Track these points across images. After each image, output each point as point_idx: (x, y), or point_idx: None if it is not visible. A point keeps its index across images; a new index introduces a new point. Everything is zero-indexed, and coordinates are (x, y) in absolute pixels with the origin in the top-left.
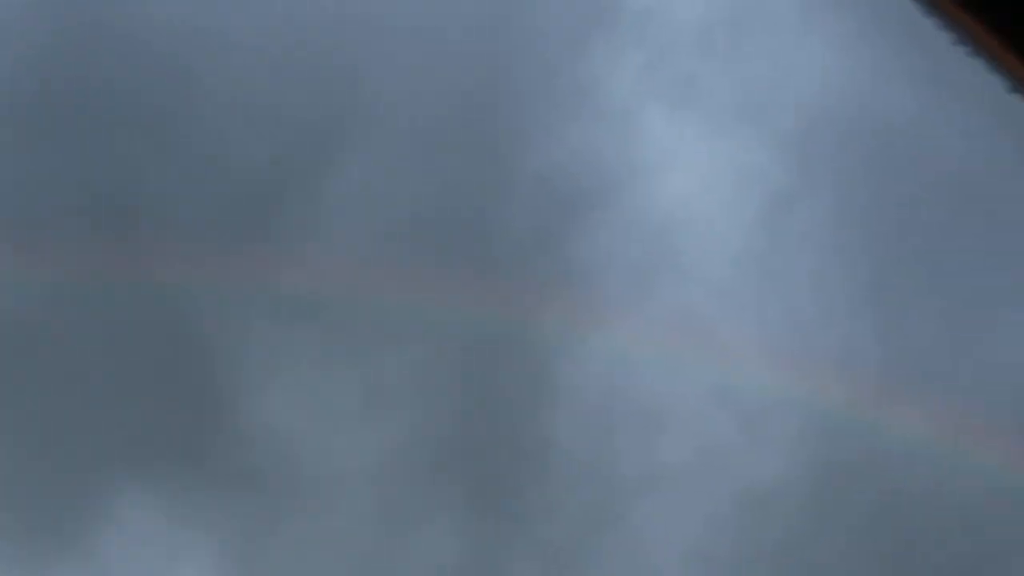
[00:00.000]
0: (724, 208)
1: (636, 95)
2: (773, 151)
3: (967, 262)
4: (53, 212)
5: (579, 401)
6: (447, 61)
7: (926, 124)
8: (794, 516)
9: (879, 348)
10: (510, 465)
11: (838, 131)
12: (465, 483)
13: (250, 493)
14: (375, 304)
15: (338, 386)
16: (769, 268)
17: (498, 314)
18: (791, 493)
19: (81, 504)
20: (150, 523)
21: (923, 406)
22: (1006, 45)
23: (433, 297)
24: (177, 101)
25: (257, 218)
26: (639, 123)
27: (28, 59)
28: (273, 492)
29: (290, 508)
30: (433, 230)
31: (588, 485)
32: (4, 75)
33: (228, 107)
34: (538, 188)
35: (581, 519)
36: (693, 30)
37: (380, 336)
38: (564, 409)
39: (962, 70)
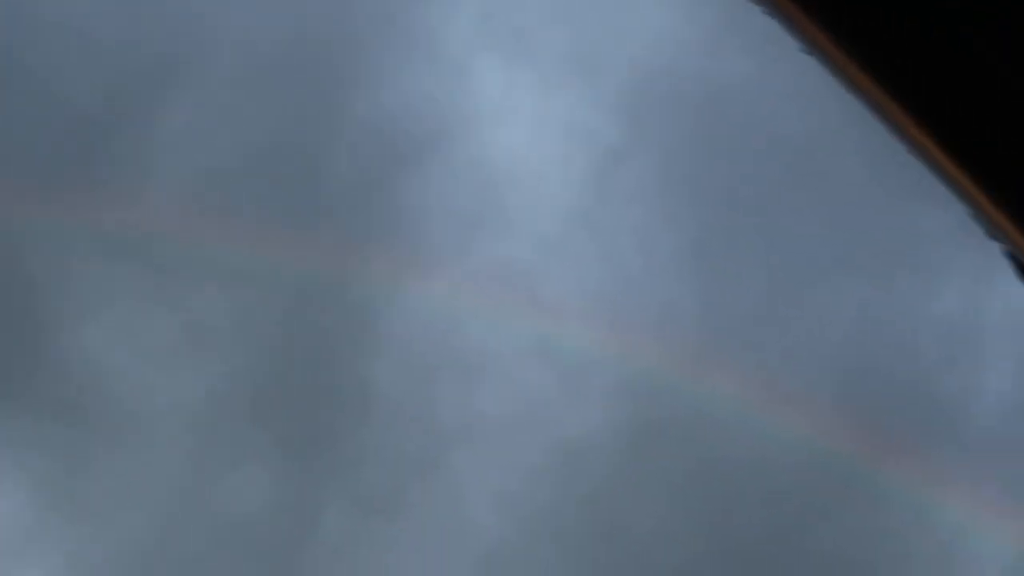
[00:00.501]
0: (553, 163)
1: (470, 45)
2: (605, 109)
3: (792, 230)
4: None
5: (401, 350)
6: (283, 3)
7: (757, 89)
8: (607, 470)
9: (699, 311)
10: (329, 411)
11: (670, 92)
12: (282, 427)
13: (67, 426)
14: (200, 245)
15: (160, 325)
16: (595, 225)
17: (323, 260)
18: (605, 448)
19: None
20: None
21: (737, 372)
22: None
23: (259, 241)
24: (6, 34)
25: (85, 154)
26: (472, 74)
27: None
28: (90, 426)
29: (106, 443)
30: (262, 173)
31: (406, 433)
32: None
33: (59, 42)
34: (369, 134)
35: (398, 466)
36: None
37: (204, 278)
38: (386, 357)
39: (795, 37)
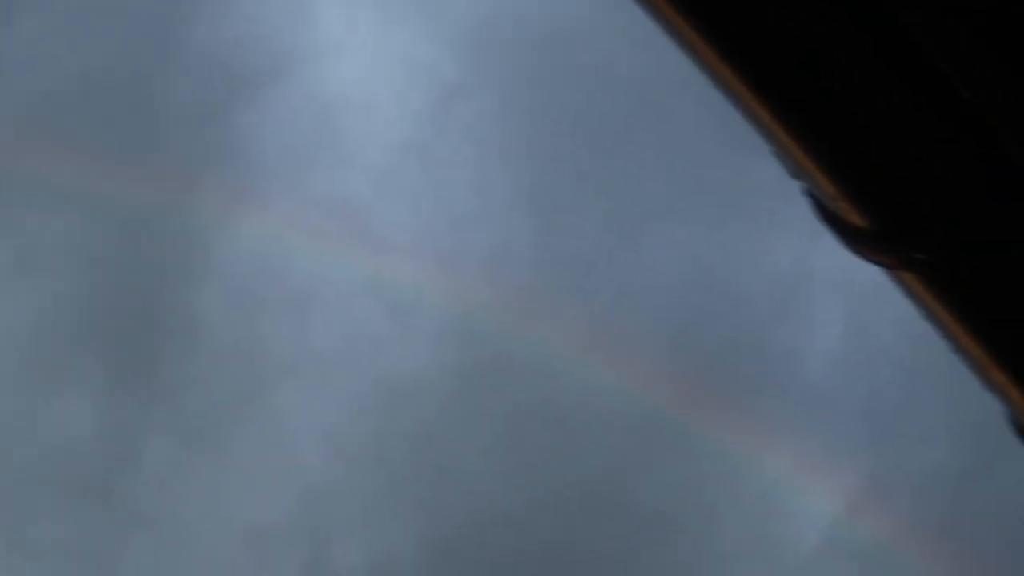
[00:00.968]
0: (391, 97)
1: None
2: (444, 44)
3: (628, 173)
4: None
5: (230, 281)
6: None
7: (599, 31)
8: (434, 410)
9: (532, 252)
10: (155, 340)
11: (511, 29)
12: (107, 355)
13: None
14: (29, 170)
15: None
16: (431, 161)
17: (155, 188)
18: (433, 387)
19: None
20: None
21: (567, 316)
22: None
23: (90, 167)
24: None
25: None
26: (313, 5)
27: None
28: None
29: None
30: (95, 98)
31: (233, 364)
32: None
33: None
34: (206, 63)
35: (224, 398)
36: None
37: (32, 203)
38: (215, 288)
39: None
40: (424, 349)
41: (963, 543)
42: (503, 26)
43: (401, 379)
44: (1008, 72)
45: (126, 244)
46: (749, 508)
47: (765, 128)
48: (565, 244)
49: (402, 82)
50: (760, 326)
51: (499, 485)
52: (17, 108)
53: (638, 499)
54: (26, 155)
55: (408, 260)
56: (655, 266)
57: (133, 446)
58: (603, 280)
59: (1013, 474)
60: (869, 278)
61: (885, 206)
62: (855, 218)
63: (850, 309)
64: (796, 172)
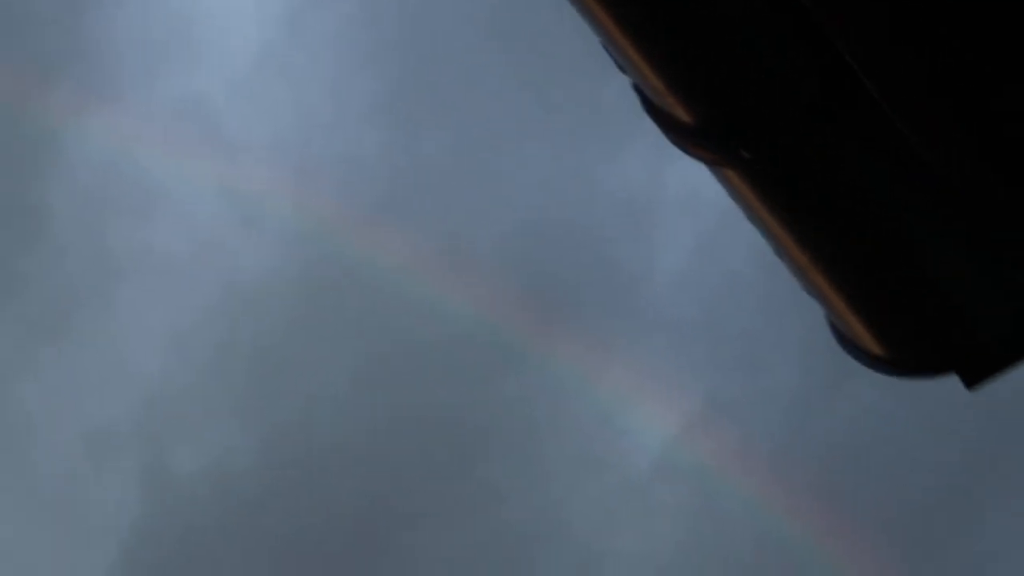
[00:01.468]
0: (248, 1)
1: None
2: None
3: (482, 88)
4: None
5: (77, 180)
6: None
7: None
8: (277, 319)
9: (383, 165)
10: None
11: None
12: None
13: None
14: None
15: None
16: (287, 67)
17: (5, 84)
18: (278, 297)
19: None
20: None
21: (414, 233)
22: None
23: None
24: None
25: None
26: None
27: None
28: None
29: None
30: None
31: (77, 263)
32: None
33: None
34: None
35: (66, 295)
36: None
37: None
38: (62, 185)
39: None
40: (271, 258)
41: (797, 468)
42: None
43: (246, 287)
44: None
45: None
46: (581, 427)
47: (596, 21)
48: (416, 158)
49: None
50: (609, 246)
51: (337, 397)
52: None
53: (466, 417)
54: None
55: (258, 166)
56: (505, 183)
57: None
58: (453, 196)
59: (852, 400)
60: (720, 201)
61: (711, 102)
62: (681, 113)
63: (700, 231)
64: (625, 66)
